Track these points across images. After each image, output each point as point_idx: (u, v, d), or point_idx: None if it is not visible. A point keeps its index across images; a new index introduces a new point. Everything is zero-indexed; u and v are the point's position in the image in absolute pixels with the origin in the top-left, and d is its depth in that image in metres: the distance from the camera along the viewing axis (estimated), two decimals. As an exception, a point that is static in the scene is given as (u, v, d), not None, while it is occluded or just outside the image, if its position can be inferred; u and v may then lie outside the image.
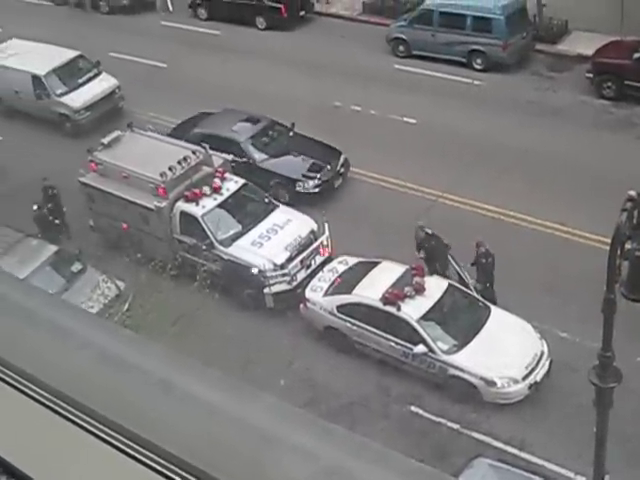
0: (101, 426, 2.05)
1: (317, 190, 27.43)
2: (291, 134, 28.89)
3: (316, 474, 1.88)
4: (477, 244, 22.62)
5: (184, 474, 1.94)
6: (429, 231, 23.51)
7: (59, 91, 33.67)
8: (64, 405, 2.12)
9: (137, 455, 2.00)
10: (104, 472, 2.03)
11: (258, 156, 28.12)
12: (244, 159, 27.85)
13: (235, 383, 2.14)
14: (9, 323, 2.40)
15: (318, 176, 27.55)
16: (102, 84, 34.14)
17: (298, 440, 1.96)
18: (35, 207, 26.79)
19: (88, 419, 2.08)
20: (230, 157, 26.57)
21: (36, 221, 26.72)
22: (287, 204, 26.03)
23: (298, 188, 27.37)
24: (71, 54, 34.63)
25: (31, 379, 2.19)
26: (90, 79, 34.26)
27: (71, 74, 34.26)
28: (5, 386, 2.22)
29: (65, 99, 33.47)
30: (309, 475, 1.89)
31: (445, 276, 22.62)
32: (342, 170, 28.10)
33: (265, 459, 1.92)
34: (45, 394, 2.16)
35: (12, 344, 2.33)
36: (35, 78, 33.62)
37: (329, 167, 27.78)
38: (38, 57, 34.25)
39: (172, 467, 1.96)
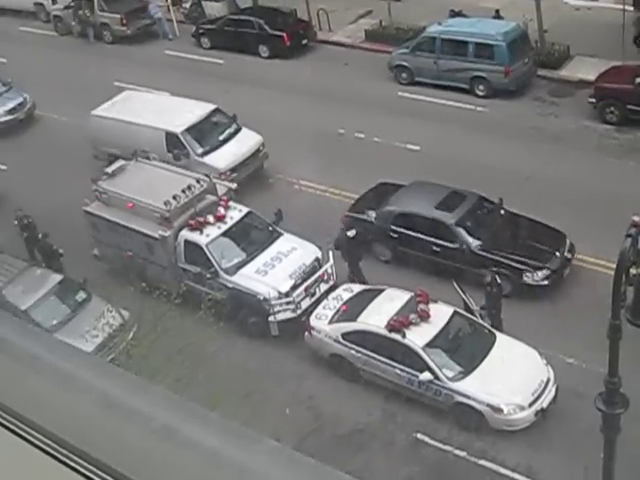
0: (103, 474, 2.05)
1: (546, 282, 23.59)
2: (502, 212, 25.11)
3: None
4: (483, 273, 22.66)
5: None
6: (350, 234, 24.56)
7: (199, 150, 29.95)
8: (64, 452, 2.11)
9: None
10: None
11: (472, 241, 24.28)
12: (454, 245, 24.34)
13: (236, 428, 2.14)
14: (9, 366, 2.39)
15: (547, 265, 23.71)
16: (247, 141, 30.65)
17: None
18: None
19: (89, 466, 2.07)
20: (234, 186, 26.53)
21: (40, 251, 26.83)
22: (505, 296, 22.89)
23: (525, 279, 23.50)
24: (207, 108, 31.10)
25: (31, 425, 2.19)
26: (231, 135, 30.73)
27: (211, 131, 30.74)
28: (5, 431, 2.22)
29: (207, 159, 29.65)
30: None
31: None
32: (569, 256, 24.18)
33: None
34: (45, 440, 2.15)
35: (12, 389, 2.33)
36: (170, 136, 29.93)
37: (557, 254, 23.92)
38: (168, 111, 31.00)
39: None
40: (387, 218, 25.42)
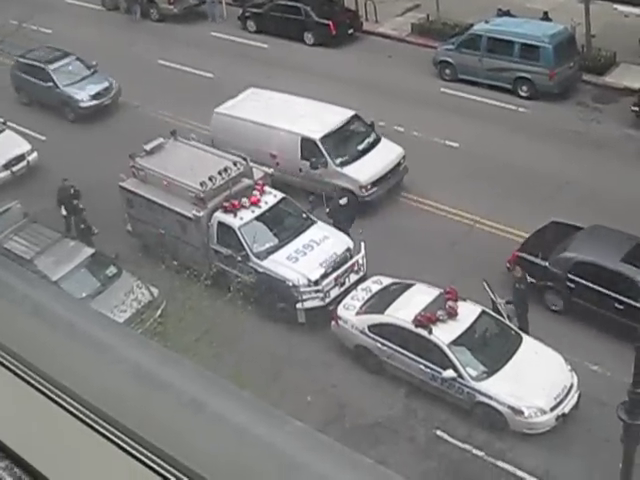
0: (131, 441, 2.08)
1: None
2: None
3: None
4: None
5: None
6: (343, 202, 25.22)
7: (338, 160, 27.78)
8: (95, 418, 2.15)
9: (165, 473, 2.03)
10: None
11: None
12: None
13: (265, 407, 2.16)
14: (47, 334, 2.44)
15: None
16: (388, 153, 28.49)
17: (325, 469, 1.97)
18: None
19: (119, 434, 2.11)
20: (271, 171, 26.56)
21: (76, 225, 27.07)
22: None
23: None
24: (346, 113, 28.94)
25: (66, 391, 2.23)
26: (371, 145, 28.63)
27: (350, 139, 28.77)
28: (41, 396, 2.26)
29: (348, 170, 27.66)
30: None
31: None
32: None
33: None
34: (78, 406, 2.19)
35: (48, 356, 2.37)
36: (306, 142, 27.84)
37: None
38: (302, 114, 28.66)
39: None
40: (564, 265, 23.14)
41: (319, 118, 28.53)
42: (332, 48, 38.84)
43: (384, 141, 28.89)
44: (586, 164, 28.87)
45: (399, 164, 28.37)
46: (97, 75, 36.02)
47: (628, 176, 28.07)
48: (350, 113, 28.87)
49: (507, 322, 21.81)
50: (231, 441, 2.04)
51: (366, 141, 28.70)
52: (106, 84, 35.55)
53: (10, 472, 2.12)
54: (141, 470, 2.04)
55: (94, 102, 35.05)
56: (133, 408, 2.16)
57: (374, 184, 27.51)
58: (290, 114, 28.75)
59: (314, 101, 29.63)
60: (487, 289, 22.34)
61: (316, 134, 27.83)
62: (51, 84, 35.23)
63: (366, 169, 27.70)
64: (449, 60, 35.26)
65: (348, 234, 25.07)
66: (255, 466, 1.99)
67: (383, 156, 28.25)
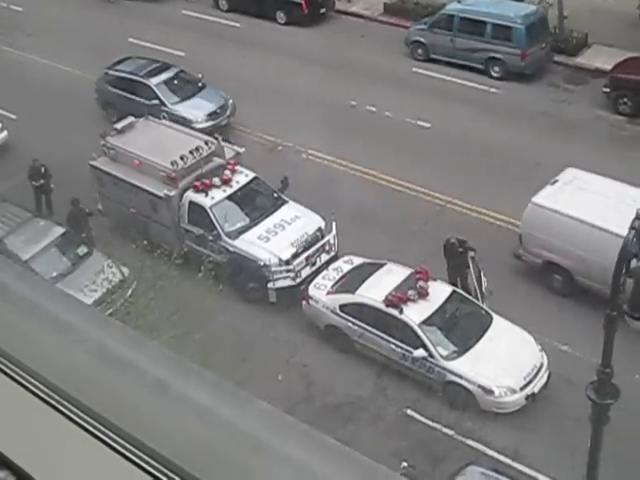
0: (93, 421, 2.07)
1: None
2: None
3: None
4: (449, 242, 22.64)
5: (171, 475, 1.96)
6: None
7: None
8: (58, 399, 2.14)
9: (126, 453, 2.02)
10: (92, 467, 2.05)
11: None
12: None
13: (230, 388, 2.16)
14: (9, 313, 2.41)
15: None
16: None
17: (289, 450, 1.97)
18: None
19: (81, 414, 2.10)
20: (242, 150, 26.50)
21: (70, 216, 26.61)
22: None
23: None
24: None
25: (28, 371, 2.21)
26: None
27: None
28: (2, 376, 2.24)
29: None
30: None
31: None
32: None
33: (254, 467, 1.94)
34: (41, 386, 2.18)
35: (11, 335, 2.35)
36: None
37: None
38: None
39: (160, 467, 1.97)
40: None
41: None
42: (304, 27, 38.73)
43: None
44: (557, 145, 28.97)
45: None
46: (208, 90, 32.05)
47: (598, 157, 28.19)
48: None
49: (477, 302, 21.89)
50: (195, 422, 2.04)
51: None
52: (221, 101, 31.67)
53: None
54: (104, 450, 2.03)
55: (210, 123, 30.62)
56: (96, 388, 2.15)
57: None
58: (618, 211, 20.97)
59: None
60: (472, 266, 22.24)
61: None
62: (156, 102, 30.98)
63: None
64: (421, 40, 35.26)
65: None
66: (219, 446, 1.99)
67: None
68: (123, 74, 32.31)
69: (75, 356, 2.25)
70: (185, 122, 29.46)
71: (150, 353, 2.28)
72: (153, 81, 31.54)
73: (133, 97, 31.49)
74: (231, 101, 31.58)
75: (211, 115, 31.01)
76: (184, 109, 30.95)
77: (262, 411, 2.08)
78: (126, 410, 2.10)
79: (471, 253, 22.44)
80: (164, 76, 31.83)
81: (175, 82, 32.00)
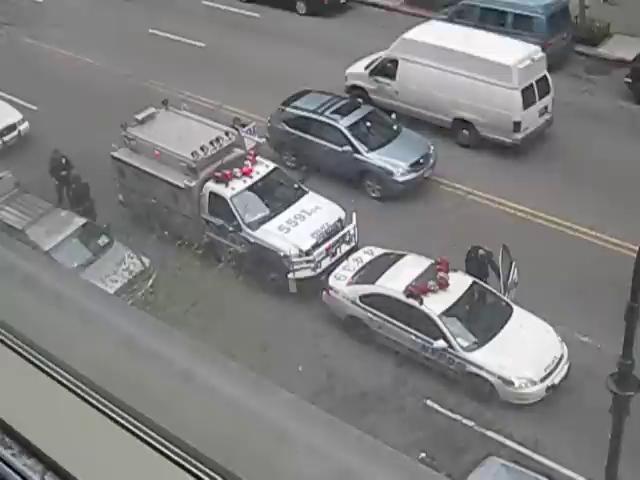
0: (119, 411, 2.10)
1: None
2: None
3: (326, 474, 1.91)
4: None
5: (196, 463, 1.98)
6: None
7: None
8: (85, 389, 2.16)
9: (151, 441, 2.04)
10: (119, 455, 2.07)
11: None
12: None
13: (255, 377, 2.17)
14: (38, 304, 2.44)
15: None
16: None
17: (312, 439, 1.99)
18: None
19: (108, 403, 2.12)
20: (262, 140, 26.46)
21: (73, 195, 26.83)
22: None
23: None
24: None
25: (56, 361, 2.24)
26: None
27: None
28: (29, 365, 2.27)
29: None
30: (319, 474, 1.92)
31: None
32: None
33: (278, 455, 1.96)
34: (67, 376, 2.20)
35: (40, 326, 2.37)
36: None
37: None
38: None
39: (185, 456, 1.99)
40: None
41: None
42: (324, 17, 38.66)
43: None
44: (577, 134, 28.85)
45: None
46: (407, 134, 27.85)
47: (619, 148, 28.08)
48: None
49: (498, 293, 21.83)
50: (220, 411, 2.06)
51: None
52: (424, 149, 27.47)
53: (0, 441, 2.13)
54: (131, 440, 2.05)
55: (413, 175, 26.84)
56: (123, 378, 2.17)
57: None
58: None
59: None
60: (490, 265, 22.17)
61: None
62: (348, 148, 27.06)
63: None
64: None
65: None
66: (244, 436, 2.01)
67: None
68: (304, 112, 28.35)
69: (101, 347, 2.27)
70: (384, 173, 26.68)
71: (176, 342, 2.30)
72: (342, 123, 27.52)
73: (317, 141, 27.78)
74: (433, 148, 27.54)
75: (414, 165, 26.96)
76: (383, 158, 26.96)
77: (287, 401, 2.10)
78: (153, 400, 2.12)
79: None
80: (354, 117, 27.71)
81: (368, 124, 27.85)
